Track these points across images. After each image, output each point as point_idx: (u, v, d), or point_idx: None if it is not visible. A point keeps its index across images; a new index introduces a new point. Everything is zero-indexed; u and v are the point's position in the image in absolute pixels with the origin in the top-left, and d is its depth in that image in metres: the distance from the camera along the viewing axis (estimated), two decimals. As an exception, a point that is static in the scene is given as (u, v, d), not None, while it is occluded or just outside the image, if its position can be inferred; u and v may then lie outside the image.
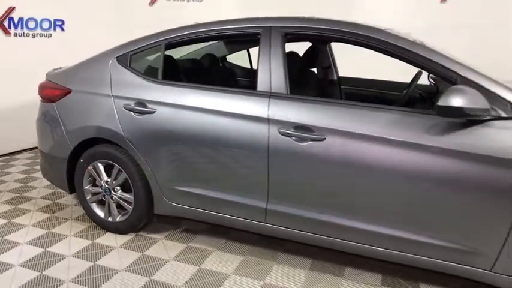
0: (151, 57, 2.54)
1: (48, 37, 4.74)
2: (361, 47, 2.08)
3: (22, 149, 4.64)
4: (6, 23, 4.36)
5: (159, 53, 2.45)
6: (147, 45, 2.49)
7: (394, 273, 2.20)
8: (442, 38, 4.92)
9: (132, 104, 2.40)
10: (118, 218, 2.62)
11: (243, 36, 2.30)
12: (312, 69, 3.18)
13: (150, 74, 2.46)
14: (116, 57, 2.55)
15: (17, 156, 4.43)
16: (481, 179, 1.70)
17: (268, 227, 2.21)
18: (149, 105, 2.35)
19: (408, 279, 2.15)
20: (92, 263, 2.30)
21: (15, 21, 4.45)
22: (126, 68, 2.50)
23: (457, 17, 4.94)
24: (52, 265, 2.27)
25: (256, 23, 2.23)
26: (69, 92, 2.63)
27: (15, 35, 4.46)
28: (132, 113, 2.39)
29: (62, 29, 4.87)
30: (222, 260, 2.35)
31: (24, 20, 4.53)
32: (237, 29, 2.29)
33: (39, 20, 4.65)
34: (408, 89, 2.47)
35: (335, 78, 3.33)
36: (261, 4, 5.68)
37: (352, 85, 3.29)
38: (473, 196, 1.73)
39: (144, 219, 2.57)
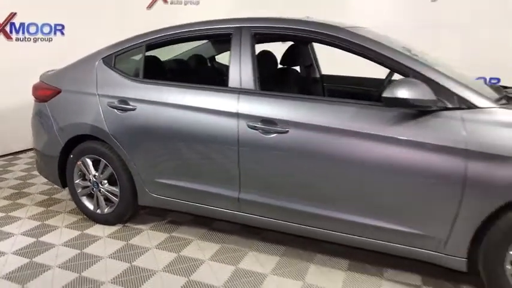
0: (134, 58, 2.69)
1: (49, 41, 4.95)
2: (327, 45, 2.20)
3: (25, 148, 4.85)
4: (8, 28, 4.58)
5: (141, 54, 2.61)
6: (130, 46, 2.66)
7: (363, 260, 2.32)
8: (433, 37, 5.02)
9: (115, 102, 2.56)
10: (106, 210, 2.78)
11: (217, 37, 2.44)
12: (295, 68, 3.31)
13: (132, 73, 2.62)
14: (102, 59, 2.72)
15: (20, 156, 4.64)
16: (430, 167, 1.81)
17: (242, 216, 2.34)
18: (131, 103, 2.51)
19: (376, 265, 2.27)
20: (79, 251, 2.46)
21: (17, 26, 4.66)
22: (110, 68, 2.66)
23: (447, 17, 5.01)
24: (42, 253, 2.44)
25: (228, 23, 2.37)
26: (59, 92, 2.81)
27: (17, 39, 4.67)
28: (115, 110, 2.55)
29: (62, 33, 5.08)
30: (201, 248, 2.49)
31: (26, 25, 4.74)
32: (211, 30, 2.44)
33: (40, 25, 4.86)
34: (383, 84, 2.58)
35: (317, 76, 3.44)
36: (257, 5, 5.81)
37: (335, 82, 3.40)
38: (423, 182, 1.84)
39: (130, 210, 2.73)
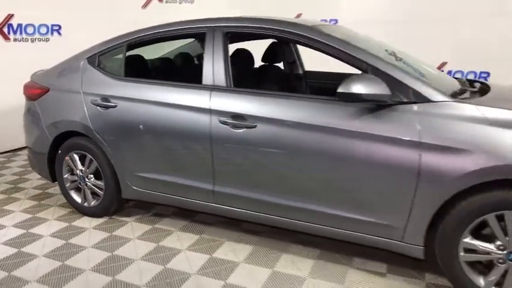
0: (116, 57, 2.80)
1: (46, 41, 5.09)
2: (293, 43, 2.28)
3: (23, 146, 5.01)
4: (5, 29, 4.73)
5: (122, 53, 2.72)
6: (112, 46, 2.77)
7: (333, 250, 2.41)
8: (425, 31, 5.05)
9: (98, 99, 2.67)
10: (93, 203, 2.91)
11: (192, 36, 2.53)
12: (277, 65, 3.39)
13: (113, 72, 2.73)
14: (86, 58, 2.84)
15: (19, 153, 4.80)
16: (387, 159, 1.88)
17: (217, 207, 2.45)
18: (112, 100, 2.62)
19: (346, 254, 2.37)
20: (65, 241, 2.59)
21: (14, 27, 4.81)
22: (94, 68, 2.78)
23: (438, 11, 5.03)
24: (30, 243, 2.58)
25: (203, 23, 2.47)
26: (47, 90, 2.94)
27: (15, 40, 4.82)
28: (98, 107, 2.67)
29: (59, 33, 5.21)
30: (180, 238, 2.60)
31: (23, 26, 4.88)
32: (187, 30, 2.54)
33: (37, 26, 5.00)
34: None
35: (300, 72, 3.52)
36: (251, 4, 5.88)
37: (318, 79, 3.47)
38: (381, 174, 1.92)
39: (115, 203, 2.85)
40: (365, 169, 1.94)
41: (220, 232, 2.66)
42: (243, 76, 2.69)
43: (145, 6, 6.16)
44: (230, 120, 2.22)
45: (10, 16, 4.76)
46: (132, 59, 2.83)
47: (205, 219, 2.83)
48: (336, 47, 2.06)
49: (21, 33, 4.88)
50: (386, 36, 5.28)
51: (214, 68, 2.34)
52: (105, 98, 2.65)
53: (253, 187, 2.27)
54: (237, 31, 2.39)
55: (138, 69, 2.81)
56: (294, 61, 3.48)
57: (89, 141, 2.77)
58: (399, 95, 1.88)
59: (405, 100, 1.88)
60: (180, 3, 6.33)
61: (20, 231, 2.74)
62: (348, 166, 1.98)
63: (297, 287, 2.05)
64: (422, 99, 1.87)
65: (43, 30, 5.06)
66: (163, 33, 2.62)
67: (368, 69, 1.97)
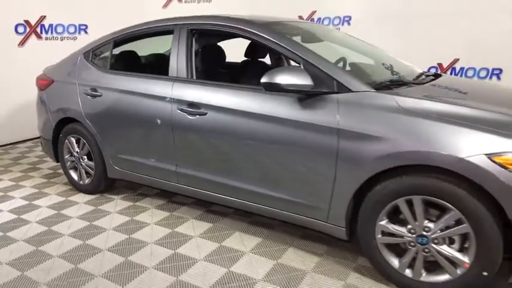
0: (104, 52, 3.16)
1: (74, 40, 5.64)
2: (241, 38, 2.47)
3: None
4: (38, 29, 5.33)
5: (109, 49, 3.07)
6: (102, 43, 3.13)
7: (282, 231, 2.58)
8: (433, 26, 4.98)
9: (88, 89, 3.04)
10: (86, 181, 3.30)
11: (164, 33, 2.80)
12: (262, 60, 3.58)
13: (101, 65, 3.09)
14: (83, 53, 3.23)
15: (47, 139, 5.39)
16: (311, 144, 2.03)
17: (180, 187, 2.71)
18: (98, 90, 2.97)
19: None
20: (57, 212, 3.00)
21: (46, 27, 5.40)
22: (87, 62, 3.16)
23: (446, 5, 4.93)
24: (28, 212, 3.01)
25: (172, 22, 2.74)
26: (52, 81, 3.37)
27: (46, 38, 5.41)
28: (88, 97, 3.04)
29: (86, 32, 5.75)
30: (152, 215, 2.91)
31: (54, 26, 5.47)
32: (160, 27, 2.83)
33: (66, 26, 5.57)
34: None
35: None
36: (267, 3, 6.08)
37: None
38: (307, 158, 2.07)
39: (103, 182, 3.21)
40: (292, 154, 2.11)
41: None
42: (214, 70, 2.93)
43: (165, 6, 6.58)
44: (186, 108, 2.47)
45: (43, 17, 5.35)
46: (118, 54, 3.17)
47: (182, 200, 3.11)
48: (277, 42, 2.23)
49: (52, 32, 5.47)
50: (399, 33, 5.30)
51: (178, 62, 2.60)
52: (94, 88, 3.01)
53: (205, 168, 2.51)
54: (200, 28, 2.64)
55: (122, 63, 3.14)
56: (279, 56, 3.65)
57: (82, 126, 3.15)
58: (325, 85, 2.03)
59: (330, 90, 2.02)
60: (198, 2, 6.67)
61: (24, 202, 3.19)
62: (277, 151, 2.16)
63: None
64: (344, 89, 2.00)
65: (71, 29, 5.62)
66: (141, 30, 2.93)
67: (300, 61, 2.13)
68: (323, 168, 2.02)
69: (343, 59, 2.96)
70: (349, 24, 5.83)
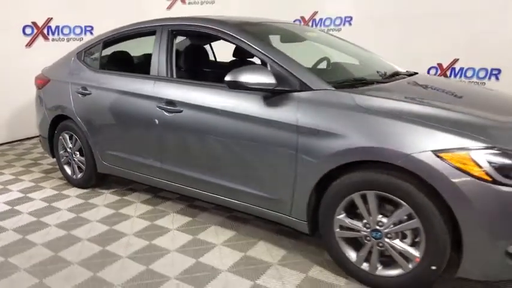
0: (95, 52, 3.30)
1: (80, 41, 5.82)
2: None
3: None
4: (45, 31, 5.56)
5: (99, 49, 3.21)
6: (93, 43, 3.28)
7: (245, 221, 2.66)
8: (435, 26, 4.97)
9: (79, 88, 3.19)
10: (79, 176, 3.45)
11: (149, 34, 2.91)
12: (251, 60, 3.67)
13: (92, 65, 3.24)
14: (76, 53, 3.38)
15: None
16: (274, 140, 2.11)
17: (162, 182, 2.82)
18: (88, 88, 3.12)
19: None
20: (48, 204, 3.16)
21: (53, 29, 5.62)
22: (80, 61, 3.31)
23: (448, 5, 4.91)
24: (22, 203, 3.17)
25: (155, 23, 2.86)
26: (49, 80, 3.54)
27: (53, 40, 5.63)
28: (79, 95, 3.19)
29: (92, 34, 5.94)
30: (136, 208, 3.03)
31: (60, 27, 5.69)
32: (144, 28, 2.95)
33: (72, 27, 5.78)
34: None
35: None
36: (269, 4, 6.16)
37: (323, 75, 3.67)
38: (272, 155, 2.14)
39: (93, 176, 3.36)
40: (257, 150, 2.19)
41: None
42: (198, 69, 3.04)
43: (170, 7, 6.73)
44: (164, 106, 2.58)
45: (50, 19, 5.57)
46: (107, 54, 3.30)
47: (171, 196, 3.22)
48: (245, 41, 2.32)
49: (58, 34, 5.68)
50: (400, 33, 5.31)
51: (159, 61, 2.72)
52: (84, 87, 3.15)
53: (182, 164, 2.61)
54: (179, 29, 2.74)
55: (110, 63, 3.28)
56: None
57: (73, 123, 3.30)
58: (289, 84, 2.10)
59: (292, 88, 2.09)
60: (201, 4, 6.80)
61: (20, 195, 3.37)
62: (244, 146, 2.24)
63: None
64: (306, 87, 2.06)
65: (77, 30, 5.83)
66: (129, 31, 3.06)
67: (267, 61, 2.20)
68: (285, 164, 2.09)
69: (326, 58, 3.03)
70: (350, 24, 5.85)
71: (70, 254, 2.38)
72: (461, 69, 5.12)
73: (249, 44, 2.30)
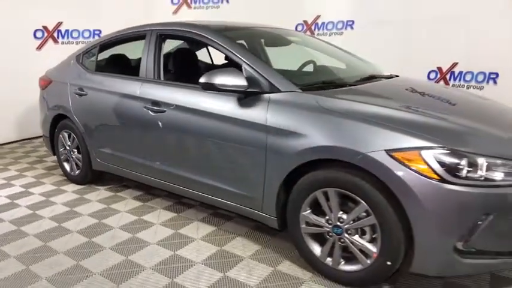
0: (92, 55, 3.47)
1: (89, 44, 6.09)
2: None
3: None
4: (55, 34, 5.82)
5: (96, 52, 3.39)
6: (91, 46, 3.46)
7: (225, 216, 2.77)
8: (432, 30, 5.00)
9: (77, 89, 3.37)
10: (76, 173, 3.63)
11: (140, 38, 3.06)
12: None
13: (89, 67, 3.41)
14: (76, 56, 3.57)
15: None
16: (247, 140, 2.21)
17: (149, 179, 2.96)
18: (84, 89, 3.29)
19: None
20: (45, 198, 3.34)
21: (62, 32, 5.87)
22: (78, 64, 3.49)
23: (445, 10, 4.93)
24: (22, 198, 3.37)
25: (145, 27, 3.02)
26: (51, 81, 3.74)
27: (62, 43, 5.88)
28: (76, 95, 3.37)
29: (100, 37, 6.18)
30: (127, 204, 3.17)
31: (70, 31, 5.93)
32: (136, 33, 3.11)
33: (81, 31, 6.01)
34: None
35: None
36: (272, 9, 6.27)
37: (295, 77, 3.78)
38: (244, 153, 2.24)
39: (89, 173, 3.52)
40: (231, 148, 2.29)
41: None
42: (186, 71, 3.17)
43: (176, 12, 6.90)
44: (150, 106, 2.72)
45: (59, 23, 5.83)
46: (103, 56, 3.48)
47: (160, 193, 3.36)
48: (222, 45, 2.45)
49: (68, 37, 5.93)
50: (400, 37, 5.35)
51: (147, 63, 2.86)
52: (81, 88, 3.33)
53: (166, 162, 2.74)
54: (166, 33, 2.88)
55: (106, 65, 3.45)
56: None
57: (71, 122, 3.48)
58: (260, 86, 2.20)
59: (263, 90, 2.19)
60: (206, 8, 6.96)
61: (21, 189, 3.57)
62: (220, 145, 2.35)
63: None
64: (275, 89, 2.16)
65: (86, 34, 6.06)
66: (123, 35, 3.23)
67: (242, 64, 2.31)
68: (256, 162, 2.19)
69: (312, 62, 3.12)
70: (352, 28, 5.92)
71: (58, 244, 2.54)
72: (460, 72, 5.13)
73: (225, 47, 2.42)
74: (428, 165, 1.67)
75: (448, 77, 5.18)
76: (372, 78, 2.65)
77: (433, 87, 2.69)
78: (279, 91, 2.16)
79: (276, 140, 2.09)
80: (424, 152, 1.69)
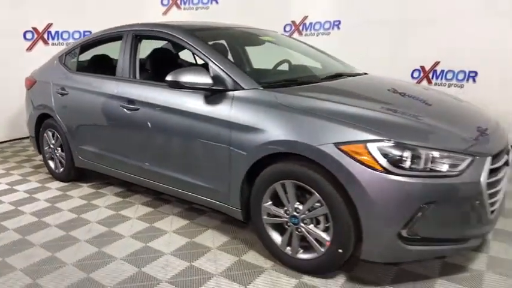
0: (74, 56, 3.58)
1: (79, 45, 6.19)
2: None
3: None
4: (45, 36, 5.92)
5: (77, 53, 3.49)
6: (73, 47, 3.56)
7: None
8: (414, 31, 5.10)
9: (59, 88, 3.47)
10: (61, 170, 3.74)
11: (117, 38, 3.16)
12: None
13: (71, 67, 3.52)
14: (59, 56, 3.67)
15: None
16: (212, 135, 2.31)
17: (127, 175, 3.06)
18: (66, 89, 3.40)
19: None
20: (29, 195, 3.45)
21: (53, 34, 5.96)
22: (61, 64, 3.60)
23: (427, 11, 5.03)
24: (7, 194, 3.47)
25: (122, 28, 3.13)
26: (35, 81, 3.84)
27: (53, 44, 5.97)
28: (59, 95, 3.47)
29: (90, 39, 6.29)
30: (107, 200, 3.28)
31: (60, 32, 6.03)
32: (114, 33, 3.22)
33: (71, 32, 6.09)
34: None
35: (247, 70, 3.96)
36: (261, 10, 6.37)
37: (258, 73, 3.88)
38: (210, 148, 2.34)
39: (72, 171, 3.63)
40: (199, 144, 2.40)
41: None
42: (164, 70, 3.27)
43: (165, 13, 7.00)
44: (125, 104, 2.82)
45: (50, 25, 5.93)
46: (84, 57, 3.58)
47: (138, 189, 3.46)
48: (191, 44, 2.56)
49: (58, 38, 6.02)
50: (385, 37, 5.45)
51: (123, 63, 2.97)
52: (63, 87, 3.44)
53: (141, 158, 2.85)
54: (142, 34, 2.99)
55: (86, 65, 3.56)
56: (241, 61, 3.92)
57: (55, 121, 3.59)
58: (225, 83, 2.30)
59: (228, 88, 2.29)
60: (196, 9, 7.06)
61: (6, 187, 3.67)
62: (188, 141, 2.46)
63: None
64: (239, 87, 2.27)
65: (76, 35, 6.14)
66: (102, 36, 3.34)
67: (209, 63, 2.41)
68: (222, 157, 2.29)
69: (286, 61, 3.22)
70: (338, 28, 6.02)
71: (35, 238, 2.64)
72: (442, 71, 5.23)
73: (193, 47, 2.53)
74: (373, 157, 1.77)
75: (430, 75, 5.29)
76: (339, 76, 2.75)
77: (399, 85, 2.78)
78: (242, 89, 2.26)
79: (239, 135, 2.19)
80: (369, 145, 1.79)
